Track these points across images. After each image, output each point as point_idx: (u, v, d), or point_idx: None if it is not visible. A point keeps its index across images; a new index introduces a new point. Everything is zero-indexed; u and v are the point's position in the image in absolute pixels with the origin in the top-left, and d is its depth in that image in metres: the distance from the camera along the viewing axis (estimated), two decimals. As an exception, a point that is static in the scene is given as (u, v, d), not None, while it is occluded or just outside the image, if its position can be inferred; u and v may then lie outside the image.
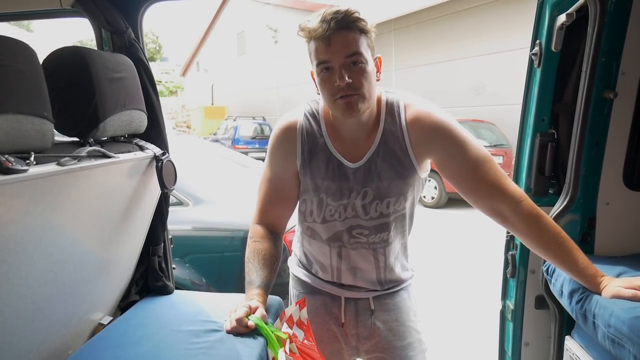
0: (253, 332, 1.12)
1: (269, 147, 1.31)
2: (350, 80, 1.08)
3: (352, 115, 1.13)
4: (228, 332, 1.12)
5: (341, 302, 1.36)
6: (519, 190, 1.19)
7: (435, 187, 8.00)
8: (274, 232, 1.29)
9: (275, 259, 1.24)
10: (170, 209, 1.70)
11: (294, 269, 1.46)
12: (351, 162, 1.22)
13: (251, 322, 1.08)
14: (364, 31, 1.10)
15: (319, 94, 1.18)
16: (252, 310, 1.10)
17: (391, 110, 1.22)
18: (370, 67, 1.12)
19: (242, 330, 1.09)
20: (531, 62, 1.46)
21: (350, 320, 1.37)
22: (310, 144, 1.24)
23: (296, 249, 1.46)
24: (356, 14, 1.09)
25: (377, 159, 1.21)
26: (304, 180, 1.26)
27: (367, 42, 1.11)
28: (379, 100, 1.22)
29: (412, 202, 1.29)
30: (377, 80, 1.17)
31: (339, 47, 1.08)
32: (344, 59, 1.08)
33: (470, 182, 1.18)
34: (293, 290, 1.47)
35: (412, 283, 1.45)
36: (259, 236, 1.26)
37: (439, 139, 1.18)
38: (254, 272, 1.20)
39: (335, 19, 1.07)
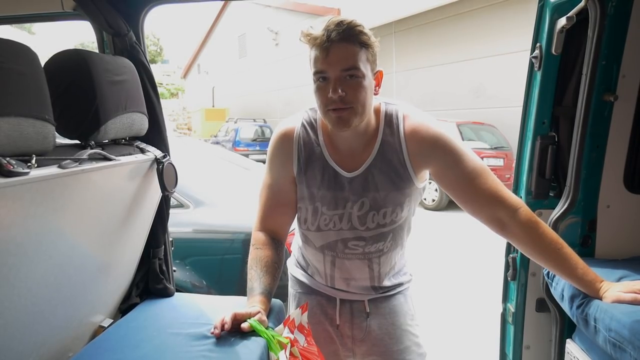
0: (252, 335, 1.12)
1: (267, 154, 1.32)
2: (344, 94, 1.08)
3: (342, 129, 1.13)
4: (212, 333, 1.14)
5: (336, 304, 1.37)
6: (516, 198, 1.21)
7: (436, 190, 8.00)
8: (275, 238, 1.29)
9: (277, 266, 1.24)
10: (171, 211, 1.70)
11: (292, 269, 1.48)
12: (347, 172, 1.22)
13: (245, 324, 1.08)
14: (365, 45, 1.08)
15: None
16: (251, 316, 1.10)
17: (390, 121, 1.22)
18: (368, 81, 1.11)
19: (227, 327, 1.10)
20: (532, 65, 1.46)
21: (346, 321, 1.37)
22: (307, 152, 1.24)
23: (295, 250, 1.48)
24: (359, 27, 1.07)
25: (374, 170, 1.21)
26: (300, 188, 1.27)
27: (367, 56, 1.10)
28: (377, 111, 1.23)
29: (409, 212, 1.29)
30: (376, 94, 1.17)
31: (337, 59, 1.07)
32: (340, 71, 1.07)
33: (468, 193, 1.19)
34: (291, 289, 1.49)
35: (409, 287, 1.45)
36: (261, 243, 1.26)
37: (437, 151, 1.18)
38: (256, 279, 1.19)
39: (337, 30, 1.05)
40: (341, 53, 1.07)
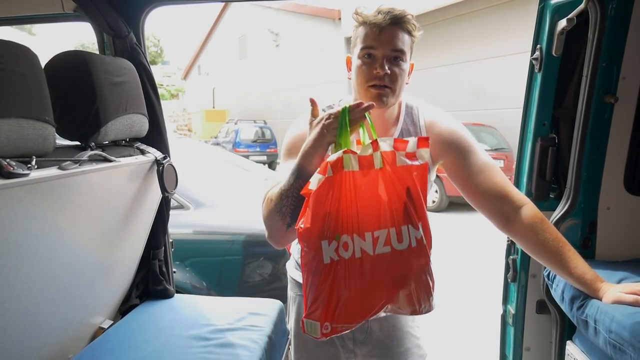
0: (252, 336, 1.11)
1: (285, 146, 1.29)
2: (389, 72, 1.14)
3: (380, 106, 1.18)
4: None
5: None
6: (523, 195, 1.23)
7: (436, 191, 8.00)
8: None
9: None
10: (171, 212, 1.70)
11: (292, 271, 1.47)
12: None
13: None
14: (410, 33, 1.18)
15: (350, 78, 1.23)
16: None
17: (410, 112, 1.29)
18: (407, 66, 1.18)
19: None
20: (532, 66, 1.47)
21: None
22: None
23: (295, 252, 1.47)
24: (409, 16, 1.17)
25: None
26: None
27: (410, 44, 1.19)
28: (399, 103, 1.28)
29: None
30: (407, 83, 1.22)
31: (389, 38, 1.14)
32: (389, 51, 1.14)
33: (478, 186, 1.22)
34: (290, 292, 1.48)
35: None
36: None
37: (454, 143, 1.25)
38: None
39: (392, 13, 1.14)
40: (393, 34, 1.15)
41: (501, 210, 1.20)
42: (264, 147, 14.88)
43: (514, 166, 1.63)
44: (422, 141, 1.03)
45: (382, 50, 1.14)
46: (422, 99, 1.33)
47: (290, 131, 1.31)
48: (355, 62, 1.19)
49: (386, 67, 1.14)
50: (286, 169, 1.19)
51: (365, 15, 1.16)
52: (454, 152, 1.25)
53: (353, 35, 1.21)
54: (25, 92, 0.92)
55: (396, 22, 1.14)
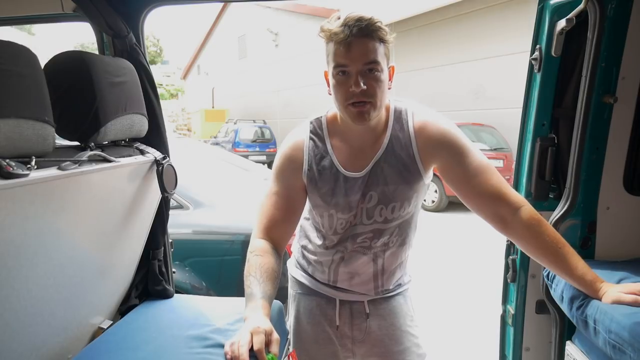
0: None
1: (276, 166, 1.30)
2: (365, 88, 1.10)
3: (363, 123, 1.16)
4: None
5: (336, 305, 1.37)
6: (520, 196, 1.22)
7: (436, 191, 8.00)
8: (275, 249, 1.22)
9: (277, 275, 1.17)
10: (171, 212, 1.70)
11: (292, 270, 1.48)
12: (358, 172, 1.23)
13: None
14: (383, 40, 1.12)
15: (330, 94, 1.19)
16: (266, 339, 0.97)
17: (399, 117, 1.25)
18: (385, 75, 1.14)
19: None
20: (531, 66, 1.47)
21: (345, 322, 1.37)
22: (317, 163, 1.26)
23: (295, 251, 1.48)
24: (378, 23, 1.10)
25: (384, 164, 1.23)
26: (313, 197, 1.27)
27: (385, 51, 1.13)
28: (387, 108, 1.25)
29: (415, 207, 1.31)
30: (389, 88, 1.19)
31: (358, 53, 1.09)
32: (361, 65, 1.09)
33: (472, 188, 1.21)
34: (290, 290, 1.50)
35: (409, 288, 1.45)
36: (262, 250, 1.19)
37: (446, 146, 1.21)
38: (256, 285, 1.12)
39: (358, 26, 1.08)
40: (363, 48, 1.09)
41: (498, 212, 1.19)
42: (264, 147, 14.87)
43: (513, 166, 1.64)
44: None
45: (354, 66, 1.09)
46: (413, 99, 1.30)
47: (281, 149, 1.31)
48: (331, 80, 1.15)
49: (361, 84, 1.09)
50: (271, 196, 1.25)
51: (330, 32, 1.10)
52: (447, 155, 1.21)
53: (325, 51, 1.15)
54: (25, 92, 0.92)
55: (363, 34, 1.08)
